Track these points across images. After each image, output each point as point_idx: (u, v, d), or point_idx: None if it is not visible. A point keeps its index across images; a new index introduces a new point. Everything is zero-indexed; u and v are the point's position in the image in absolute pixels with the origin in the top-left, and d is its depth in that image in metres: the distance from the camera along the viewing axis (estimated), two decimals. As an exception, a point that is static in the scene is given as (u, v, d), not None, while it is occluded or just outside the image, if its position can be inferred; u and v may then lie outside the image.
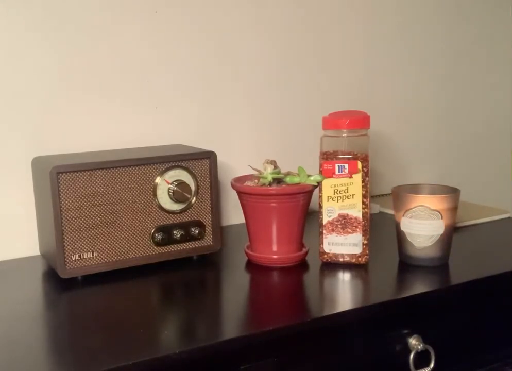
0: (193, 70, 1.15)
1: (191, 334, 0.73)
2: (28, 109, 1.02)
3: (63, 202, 0.87)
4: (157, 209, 0.94)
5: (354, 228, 0.92)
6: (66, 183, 0.87)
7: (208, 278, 0.94)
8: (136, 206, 0.92)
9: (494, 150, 1.58)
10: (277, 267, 0.93)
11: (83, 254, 0.89)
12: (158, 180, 0.93)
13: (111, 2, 1.05)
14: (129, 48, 1.08)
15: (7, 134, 1.01)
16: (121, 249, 0.92)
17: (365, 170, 0.92)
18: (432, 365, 0.84)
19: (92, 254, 0.90)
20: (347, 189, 0.92)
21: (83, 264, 0.89)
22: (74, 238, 0.88)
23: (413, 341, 0.84)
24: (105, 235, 0.91)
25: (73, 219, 0.88)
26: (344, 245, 0.93)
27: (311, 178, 0.93)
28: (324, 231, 0.94)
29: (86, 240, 0.89)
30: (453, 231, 0.93)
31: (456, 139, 1.51)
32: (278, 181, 0.95)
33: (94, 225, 0.90)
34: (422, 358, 0.84)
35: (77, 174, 0.88)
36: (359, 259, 0.93)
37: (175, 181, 0.94)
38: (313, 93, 1.28)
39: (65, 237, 0.88)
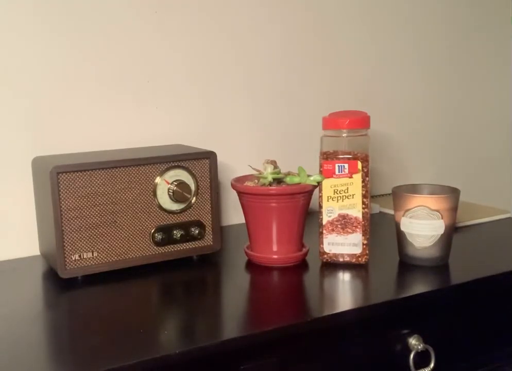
0: (193, 70, 1.15)
1: (191, 334, 0.73)
2: (28, 109, 1.02)
3: (63, 202, 0.87)
4: (157, 209, 0.94)
5: (354, 228, 0.92)
6: (66, 183, 0.87)
7: (208, 278, 0.94)
8: (136, 206, 0.92)
9: (494, 150, 1.58)
10: (277, 267, 0.93)
11: (83, 254, 0.89)
12: (158, 180, 0.93)
13: (111, 3, 1.05)
14: (128, 48, 1.08)
15: (7, 134, 1.01)
16: (121, 249, 0.92)
17: (365, 170, 0.92)
18: (432, 365, 0.84)
19: (93, 254, 0.90)
20: (347, 189, 0.92)
21: (83, 264, 0.89)
22: (74, 238, 0.88)
23: (413, 341, 0.84)
24: (105, 235, 0.91)
25: (73, 219, 0.88)
26: (344, 245, 0.93)
27: (311, 178, 0.93)
28: (324, 231, 0.94)
29: (86, 240, 0.89)
30: (453, 231, 0.93)
31: (456, 139, 1.51)
32: (278, 181, 0.95)
33: (94, 225, 0.90)
34: (422, 358, 0.84)
35: (77, 174, 0.88)
36: (359, 259, 0.93)
37: (175, 181, 0.94)
38: (313, 93, 1.28)
39: (65, 237, 0.88)
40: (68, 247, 0.88)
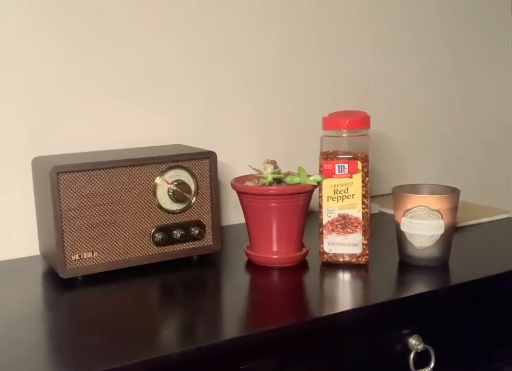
0: (193, 70, 1.15)
1: (191, 334, 0.73)
2: (28, 109, 1.02)
3: (63, 202, 0.87)
4: (157, 209, 0.94)
5: (354, 228, 0.92)
6: (66, 183, 0.87)
7: (208, 278, 0.94)
8: (136, 206, 0.92)
9: (494, 150, 1.58)
10: (277, 267, 0.93)
11: (83, 254, 0.89)
12: (158, 180, 0.93)
13: (111, 3, 1.05)
14: (129, 48, 1.08)
15: (7, 134, 1.01)
16: (121, 249, 0.92)
17: (365, 170, 0.92)
18: (432, 365, 0.84)
19: (93, 254, 0.90)
20: (347, 189, 0.92)
21: (83, 264, 0.89)
22: (74, 238, 0.88)
23: (413, 341, 0.84)
24: (105, 235, 0.91)
25: (73, 219, 0.88)
26: (344, 245, 0.93)
27: (311, 178, 0.93)
28: (324, 231, 0.94)
29: (86, 240, 0.89)
30: (453, 231, 0.93)
31: (456, 139, 1.51)
32: (278, 181, 0.95)
33: (94, 225, 0.90)
34: (422, 358, 0.84)
35: (77, 174, 0.88)
36: (359, 259, 0.93)
37: (175, 181, 0.94)
38: (313, 93, 1.28)
39: (65, 237, 0.88)
40: (68, 247, 0.88)
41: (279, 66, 1.24)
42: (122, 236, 0.92)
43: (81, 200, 0.88)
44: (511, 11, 1.54)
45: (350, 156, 0.92)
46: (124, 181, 0.91)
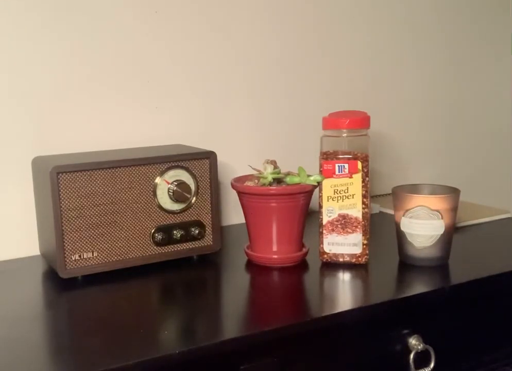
0: (193, 70, 1.15)
1: (191, 334, 0.73)
2: (28, 109, 1.02)
3: (63, 202, 0.87)
4: (157, 209, 0.94)
5: (354, 228, 0.92)
6: (66, 183, 0.87)
7: (208, 278, 0.94)
8: (136, 206, 0.92)
9: (494, 150, 1.58)
10: (277, 267, 0.93)
11: (83, 254, 0.89)
12: (158, 180, 0.93)
13: (112, 2, 1.05)
14: (129, 48, 1.08)
15: (7, 134, 1.01)
16: (121, 249, 0.92)
17: (365, 170, 0.92)
18: (432, 365, 0.84)
19: (93, 254, 0.90)
20: (347, 189, 0.92)
21: (83, 264, 0.89)
22: (74, 238, 0.88)
23: (413, 341, 0.84)
24: (105, 235, 0.91)
25: (73, 219, 0.88)
26: (344, 244, 0.93)
27: (311, 178, 0.93)
28: (324, 231, 0.94)
29: (86, 240, 0.89)
30: (453, 231, 0.93)
31: (456, 139, 1.51)
32: (278, 181, 0.95)
33: (94, 225, 0.90)
34: (422, 358, 0.84)
35: (77, 174, 0.88)
36: (359, 259, 0.93)
37: (175, 181, 0.94)
38: (313, 93, 1.28)
39: (65, 237, 0.88)
40: (68, 247, 0.88)
41: (279, 66, 1.24)
42: (122, 236, 0.92)
43: (81, 200, 0.88)
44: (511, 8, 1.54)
45: (350, 156, 0.92)
46: (124, 181, 0.91)
